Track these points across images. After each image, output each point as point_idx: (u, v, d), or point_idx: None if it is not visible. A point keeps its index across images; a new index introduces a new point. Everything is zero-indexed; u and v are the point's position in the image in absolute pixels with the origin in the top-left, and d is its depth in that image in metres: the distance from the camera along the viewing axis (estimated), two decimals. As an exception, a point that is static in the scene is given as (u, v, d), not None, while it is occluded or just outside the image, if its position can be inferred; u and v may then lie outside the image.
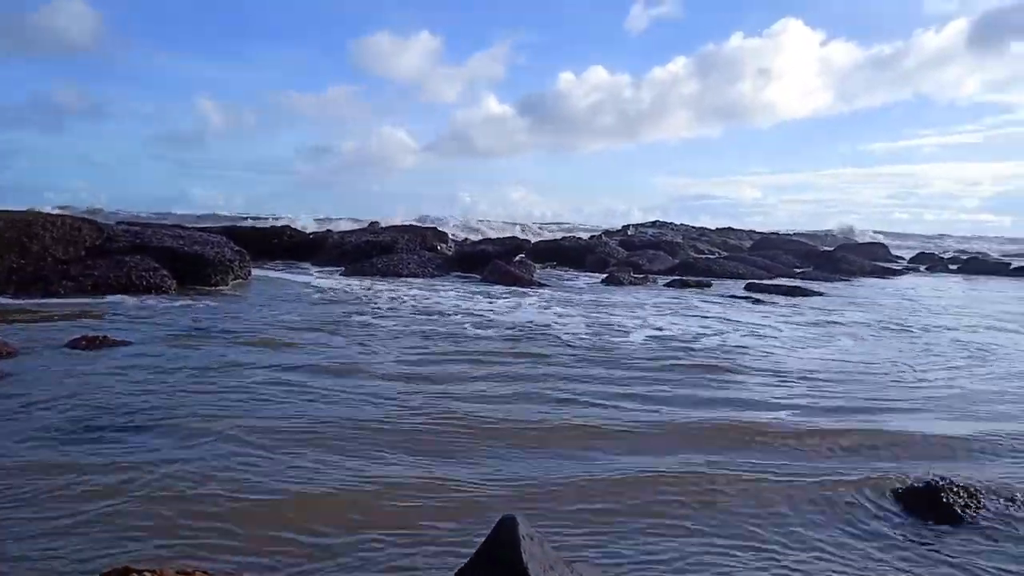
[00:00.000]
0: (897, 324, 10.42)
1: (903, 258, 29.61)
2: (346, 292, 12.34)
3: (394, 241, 18.84)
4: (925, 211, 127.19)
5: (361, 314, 9.70)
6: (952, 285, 19.45)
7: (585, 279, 16.96)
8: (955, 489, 3.37)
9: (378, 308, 10.43)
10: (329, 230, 23.30)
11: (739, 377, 6.39)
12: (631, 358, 7.12)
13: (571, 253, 21.31)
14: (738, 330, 9.35)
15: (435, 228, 22.46)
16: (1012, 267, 24.31)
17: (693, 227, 39.48)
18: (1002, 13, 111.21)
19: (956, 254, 34.92)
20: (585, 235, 29.41)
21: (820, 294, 14.68)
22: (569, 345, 7.79)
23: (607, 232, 38.08)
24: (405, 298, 11.80)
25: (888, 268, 23.28)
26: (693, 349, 7.79)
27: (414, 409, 4.89)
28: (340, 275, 15.59)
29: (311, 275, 15.36)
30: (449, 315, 9.90)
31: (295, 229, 20.44)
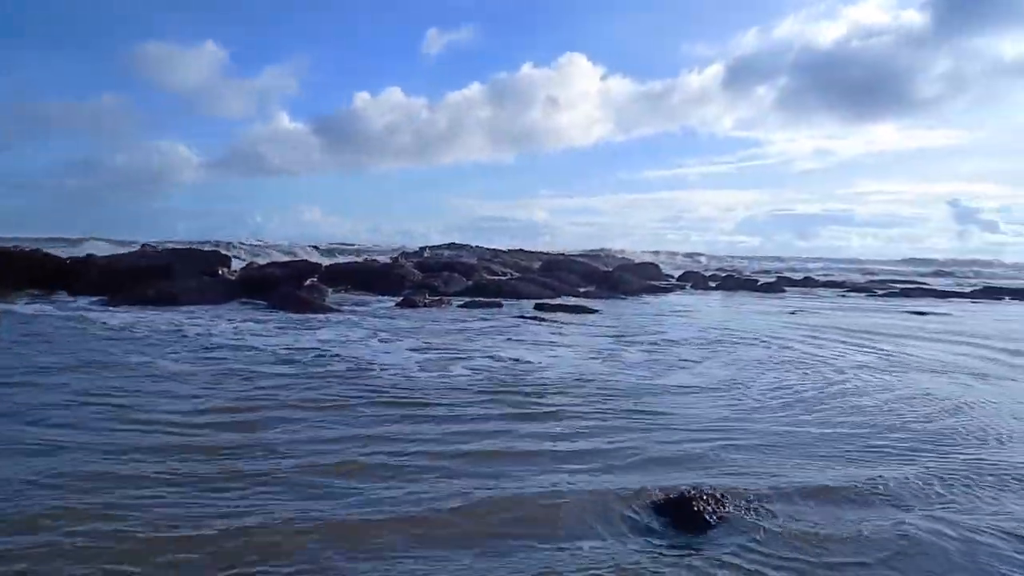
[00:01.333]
0: (663, 340, 11.45)
1: (672, 276, 32.68)
2: (108, 326, 11.16)
3: (170, 265, 17.36)
4: (692, 233, 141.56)
5: (128, 353, 8.81)
6: (711, 300, 21.84)
7: (381, 303, 16.78)
8: (704, 497, 3.74)
9: (151, 343, 9.54)
10: (91, 254, 20.75)
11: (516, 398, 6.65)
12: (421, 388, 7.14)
13: (366, 276, 20.97)
14: (528, 349, 9.74)
15: (217, 251, 21.07)
16: (759, 284, 27.79)
17: (488, 248, 40.81)
18: (748, 60, 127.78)
19: (715, 272, 39.22)
20: (382, 257, 29.19)
21: (597, 311, 15.77)
22: (357, 374, 7.64)
23: (404, 254, 38.16)
24: (185, 330, 10.92)
25: (659, 286, 25.61)
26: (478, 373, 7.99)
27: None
28: (104, 305, 14.06)
29: (72, 307, 13.71)
30: (237, 348, 9.31)
31: (47, 253, 17.98)
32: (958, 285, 34.16)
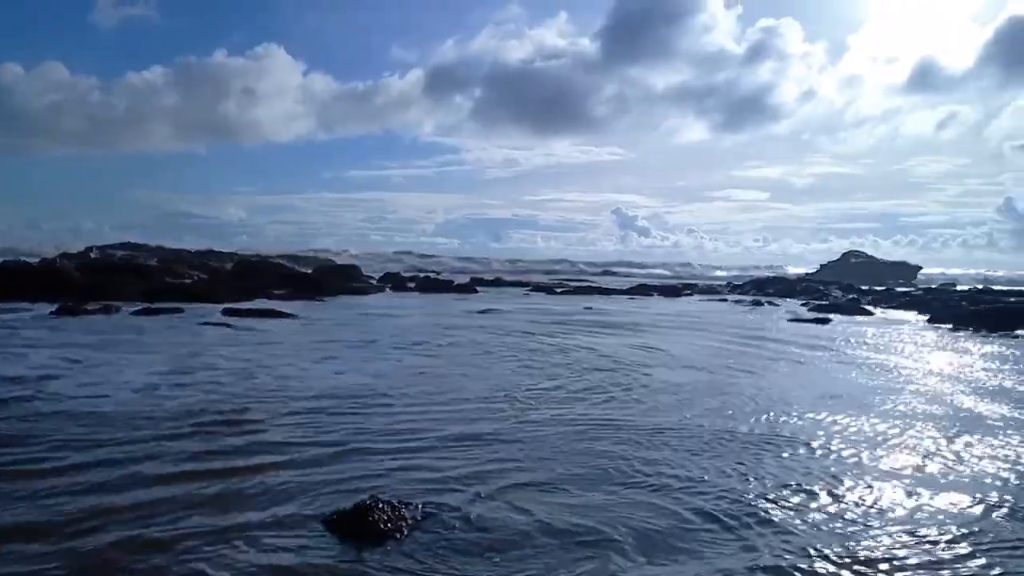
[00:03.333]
0: (362, 340, 11.39)
1: (374, 278, 32.83)
2: None
3: None
4: (395, 234, 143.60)
5: None
6: (409, 301, 22.35)
7: (30, 312, 14.28)
8: (380, 506, 3.72)
9: None
10: None
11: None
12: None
13: (12, 280, 17.69)
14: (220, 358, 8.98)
15: None
16: (455, 284, 29.17)
17: (171, 249, 37.08)
18: (447, 69, 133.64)
19: (415, 273, 40.29)
20: (34, 259, 24.87)
21: (294, 316, 15.20)
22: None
23: (65, 255, 32.92)
24: None
25: (359, 288, 25.54)
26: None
27: None
28: None
29: None
30: None
31: None
32: (620, 283, 39.38)
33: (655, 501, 4.23)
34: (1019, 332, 15.76)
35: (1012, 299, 22.51)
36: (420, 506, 3.91)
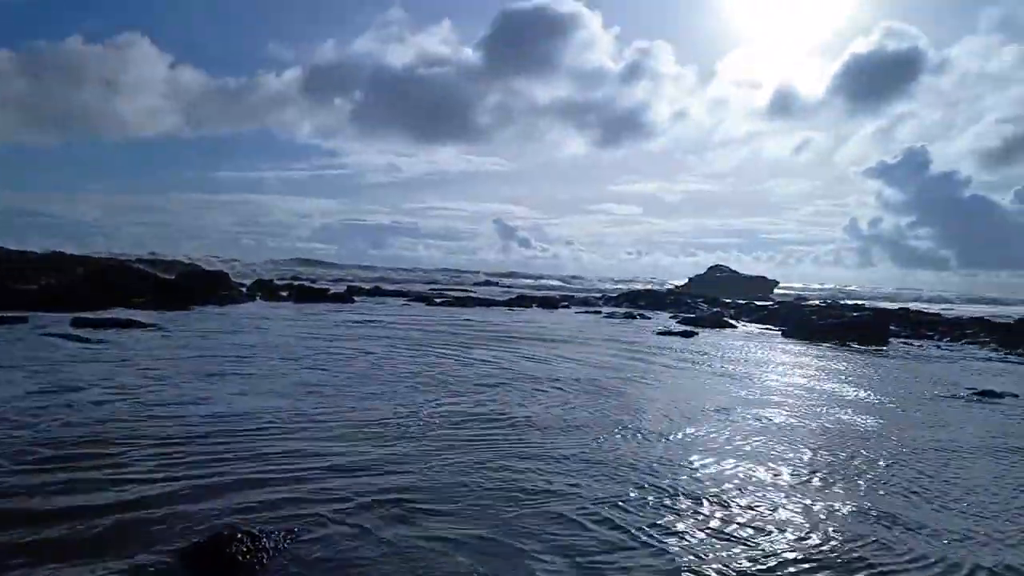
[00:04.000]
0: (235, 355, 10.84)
1: (244, 285, 31.37)
2: None
3: None
4: (268, 239, 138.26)
5: None
6: (281, 310, 21.53)
7: None
8: (239, 537, 3.54)
9: None
10: None
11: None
12: None
13: None
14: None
15: None
16: (330, 293, 28.39)
17: (14, 251, 33.76)
18: (327, 70, 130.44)
19: (290, 281, 38.90)
20: None
21: (157, 327, 14.26)
22: None
23: None
24: None
25: (228, 296, 24.31)
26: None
27: None
28: None
29: None
30: None
31: None
32: (501, 294, 39.76)
33: (554, 530, 4.27)
34: (857, 345, 17.28)
35: (855, 313, 24.74)
36: (283, 535, 3.75)
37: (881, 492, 5.18)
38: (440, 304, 28.35)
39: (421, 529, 4.04)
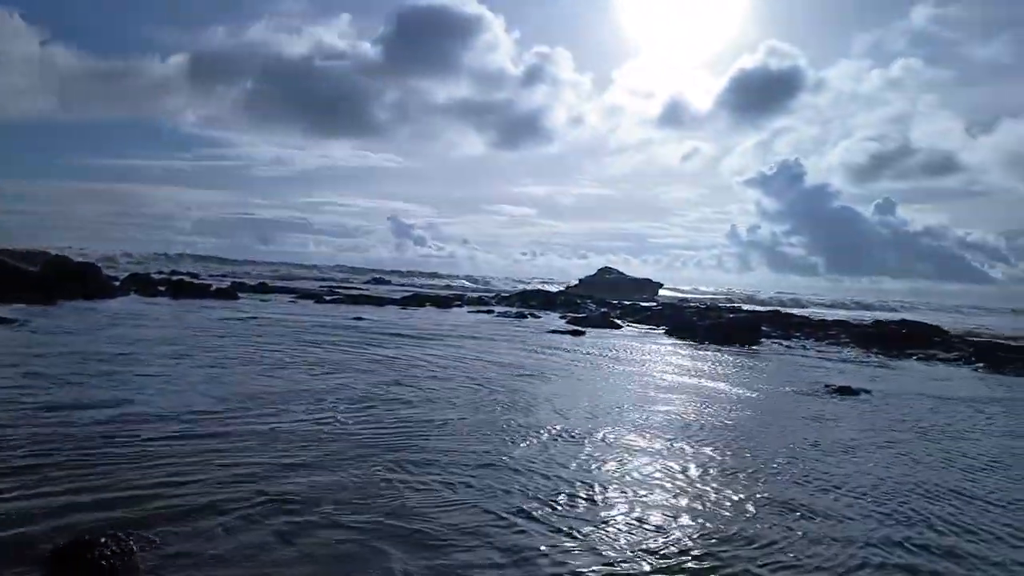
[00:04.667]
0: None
1: (118, 279, 29.51)
2: None
3: None
4: (146, 231, 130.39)
5: None
6: (160, 306, 20.42)
7: None
8: (103, 540, 3.36)
9: None
10: None
11: None
12: None
13: None
14: None
15: None
16: (213, 288, 27.18)
17: None
18: (215, 57, 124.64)
19: (168, 275, 36.94)
20: None
21: (16, 322, 13.19)
22: None
23: None
24: None
25: (101, 290, 22.82)
26: None
27: None
28: None
29: None
30: None
31: None
32: (394, 291, 39.36)
33: (417, 526, 4.30)
34: (733, 346, 18.32)
35: (731, 315, 26.18)
36: (155, 538, 3.60)
37: (765, 482, 5.54)
38: (330, 302, 27.71)
39: (305, 529, 3.98)
